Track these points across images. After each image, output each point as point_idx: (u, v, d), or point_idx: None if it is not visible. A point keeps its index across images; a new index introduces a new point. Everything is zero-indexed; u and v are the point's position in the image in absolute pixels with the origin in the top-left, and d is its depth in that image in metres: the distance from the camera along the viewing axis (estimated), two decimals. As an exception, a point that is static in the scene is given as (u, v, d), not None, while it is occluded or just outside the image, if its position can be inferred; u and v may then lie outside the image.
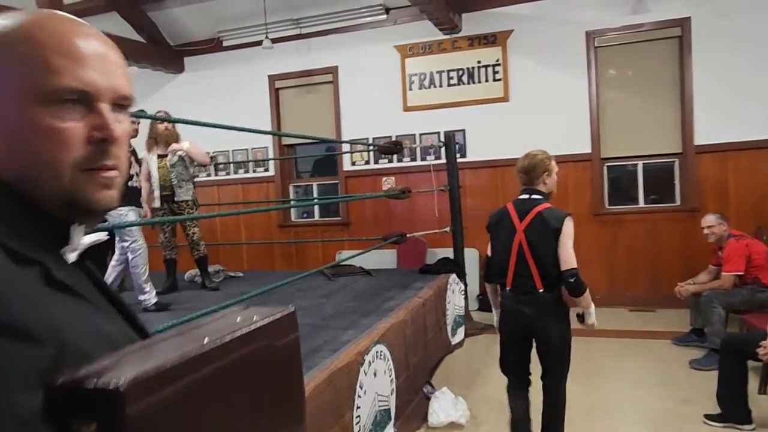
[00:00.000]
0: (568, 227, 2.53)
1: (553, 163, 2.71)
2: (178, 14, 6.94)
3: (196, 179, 4.76)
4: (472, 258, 5.99)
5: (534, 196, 2.68)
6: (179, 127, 4.53)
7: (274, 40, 6.54)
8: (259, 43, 6.41)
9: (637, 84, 5.83)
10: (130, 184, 4.06)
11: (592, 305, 2.67)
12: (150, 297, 4.00)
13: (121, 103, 0.66)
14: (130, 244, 4.02)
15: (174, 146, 4.50)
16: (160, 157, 4.54)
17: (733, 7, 5.36)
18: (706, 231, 4.34)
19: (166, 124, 4.46)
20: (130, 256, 4.03)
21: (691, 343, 4.42)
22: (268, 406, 0.60)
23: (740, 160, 5.44)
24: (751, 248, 4.14)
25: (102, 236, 0.74)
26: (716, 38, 5.42)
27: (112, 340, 0.58)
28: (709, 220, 4.35)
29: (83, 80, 0.61)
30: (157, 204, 4.50)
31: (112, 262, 4.20)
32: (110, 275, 4.15)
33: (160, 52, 7.13)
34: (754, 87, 5.33)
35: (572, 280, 2.49)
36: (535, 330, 2.67)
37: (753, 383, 3.43)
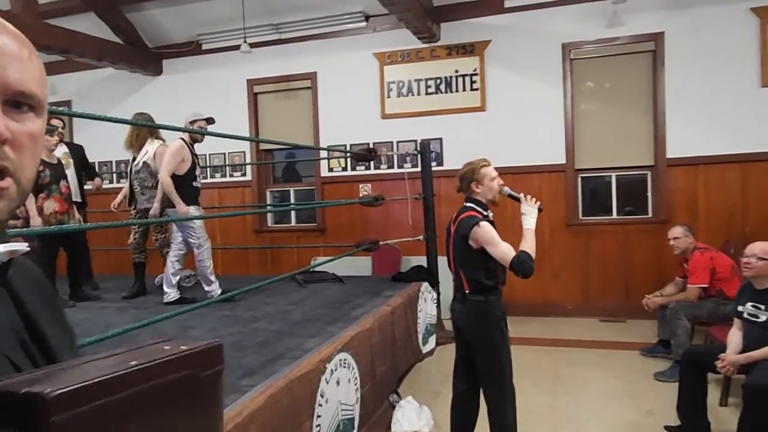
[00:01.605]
0: (479, 234, 2.60)
1: (484, 171, 2.75)
2: (157, 16, 6.90)
3: None
4: (446, 266, 5.99)
5: (467, 204, 2.79)
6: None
7: (254, 45, 6.52)
8: (238, 47, 6.39)
9: (611, 96, 5.91)
10: (194, 184, 4.24)
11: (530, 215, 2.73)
12: (215, 288, 4.22)
13: (19, 101, 0.60)
14: (196, 241, 4.21)
15: (144, 149, 4.45)
16: (133, 159, 4.50)
17: (705, 22, 5.47)
18: (671, 242, 4.40)
19: (131, 128, 4.43)
20: (196, 252, 4.22)
21: (657, 354, 4.47)
22: None
23: (710, 173, 5.54)
24: (715, 261, 4.21)
25: (18, 247, 0.64)
26: (688, 53, 5.52)
27: None
28: (675, 232, 4.41)
29: None
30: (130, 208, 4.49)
31: (171, 258, 4.29)
32: (168, 270, 4.27)
33: (138, 54, 7.07)
34: (724, 102, 5.43)
35: (514, 269, 2.54)
36: (463, 331, 2.78)
37: (715, 395, 3.49)
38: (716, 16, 5.44)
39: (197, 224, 4.22)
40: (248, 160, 6.99)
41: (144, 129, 4.44)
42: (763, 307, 2.95)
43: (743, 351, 2.98)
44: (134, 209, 4.61)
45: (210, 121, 4.31)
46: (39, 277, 0.73)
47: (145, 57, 7.16)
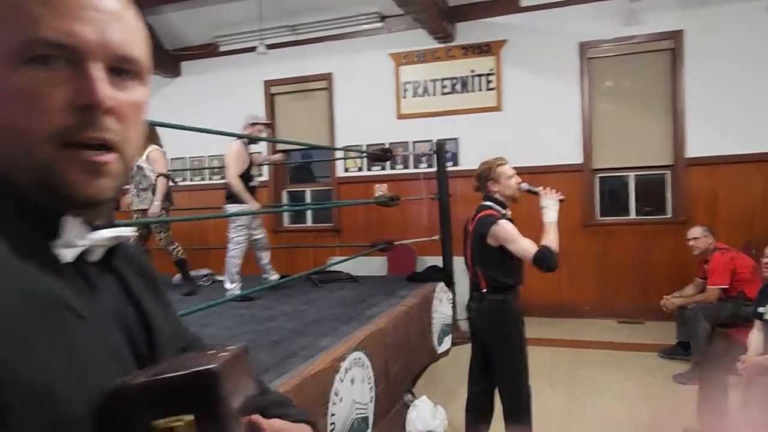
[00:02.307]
0: (498, 233, 2.59)
1: (501, 169, 2.75)
2: (174, 19, 6.99)
3: (182, 183, 4.79)
4: (462, 266, 5.97)
5: (485, 203, 2.79)
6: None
7: (270, 46, 6.57)
8: (254, 48, 6.44)
9: (629, 95, 5.84)
10: (251, 184, 4.33)
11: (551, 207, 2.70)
12: (236, 287, 4.30)
13: (122, 67, 0.55)
14: (233, 236, 4.32)
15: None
16: None
17: (725, 20, 5.38)
18: (691, 243, 4.34)
19: None
20: (230, 247, 4.31)
21: (677, 356, 4.40)
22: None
23: (730, 173, 5.45)
24: (736, 262, 4.14)
25: (126, 232, 0.60)
26: (708, 51, 5.43)
27: (85, 367, 0.48)
28: (695, 232, 4.34)
29: (64, 31, 0.49)
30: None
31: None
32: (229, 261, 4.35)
33: (157, 57, 7.08)
34: (745, 100, 5.34)
35: (537, 264, 2.54)
36: (479, 331, 2.77)
37: (735, 397, 3.43)
38: (734, 14, 5.36)
39: (241, 221, 4.33)
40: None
41: (150, 135, 4.55)
42: (784, 308, 2.90)
43: (765, 353, 2.93)
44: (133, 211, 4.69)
45: (269, 125, 4.58)
46: (144, 262, 0.70)
47: (163, 59, 7.25)
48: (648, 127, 5.74)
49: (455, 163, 6.20)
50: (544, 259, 2.51)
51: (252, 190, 4.39)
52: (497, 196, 2.75)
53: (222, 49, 7.14)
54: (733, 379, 3.17)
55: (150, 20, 7.01)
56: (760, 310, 3.06)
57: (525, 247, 2.57)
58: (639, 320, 5.57)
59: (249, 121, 4.37)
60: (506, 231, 2.59)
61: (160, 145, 4.61)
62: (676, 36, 5.53)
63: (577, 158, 5.88)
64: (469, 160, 6.25)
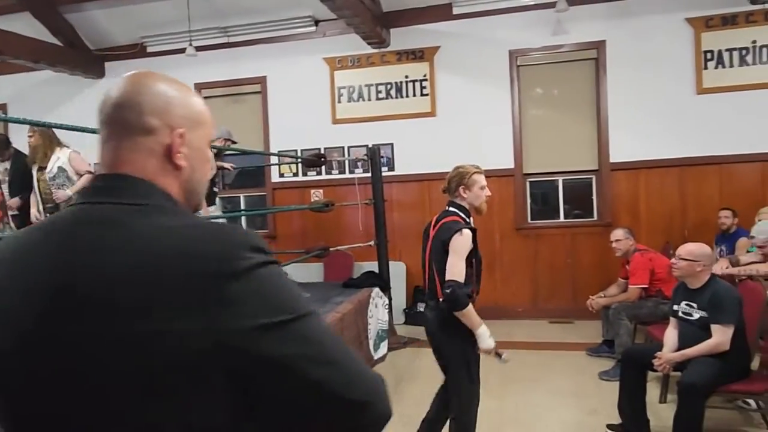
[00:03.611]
0: (457, 242, 2.49)
1: (475, 177, 2.66)
2: (98, 17, 6.66)
3: None
4: (398, 271, 6.00)
5: (450, 208, 2.69)
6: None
7: (200, 48, 6.38)
8: (184, 50, 6.23)
9: (557, 102, 6.05)
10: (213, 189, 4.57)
11: (482, 327, 2.49)
12: None
13: None
14: None
15: (54, 157, 4.34)
16: (41, 169, 4.36)
17: (644, 32, 5.66)
18: (613, 245, 4.52)
19: (31, 134, 4.37)
20: None
21: (602, 354, 4.57)
22: None
23: (651, 177, 5.73)
24: (654, 262, 4.34)
25: None
26: (628, 61, 5.70)
27: None
28: (617, 234, 4.53)
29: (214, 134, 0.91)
30: (42, 218, 4.30)
31: None
32: None
33: (79, 56, 6.81)
34: (663, 108, 5.63)
35: (447, 290, 2.44)
36: (433, 338, 2.68)
37: (654, 392, 3.58)
38: (654, 25, 5.65)
39: None
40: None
41: (53, 139, 4.35)
42: (695, 305, 3.05)
43: (679, 349, 3.07)
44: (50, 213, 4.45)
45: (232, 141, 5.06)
46: None
47: (85, 59, 6.90)
48: (575, 133, 5.96)
49: (390, 168, 6.21)
50: (455, 298, 2.42)
51: (215, 195, 4.57)
52: (464, 203, 2.65)
53: (150, 50, 6.87)
54: (652, 375, 3.31)
55: (72, 18, 6.66)
56: (675, 308, 3.21)
57: (456, 269, 2.47)
58: (569, 320, 5.76)
59: (224, 136, 4.90)
60: (461, 244, 2.49)
61: (68, 146, 4.44)
62: (599, 46, 5.78)
63: (509, 163, 6.02)
64: (404, 166, 6.28)
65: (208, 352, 0.63)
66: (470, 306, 2.47)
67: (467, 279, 2.50)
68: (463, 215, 2.63)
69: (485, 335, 2.47)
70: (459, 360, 2.57)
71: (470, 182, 2.65)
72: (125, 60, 6.98)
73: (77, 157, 4.38)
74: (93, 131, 2.61)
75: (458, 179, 2.67)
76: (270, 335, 0.65)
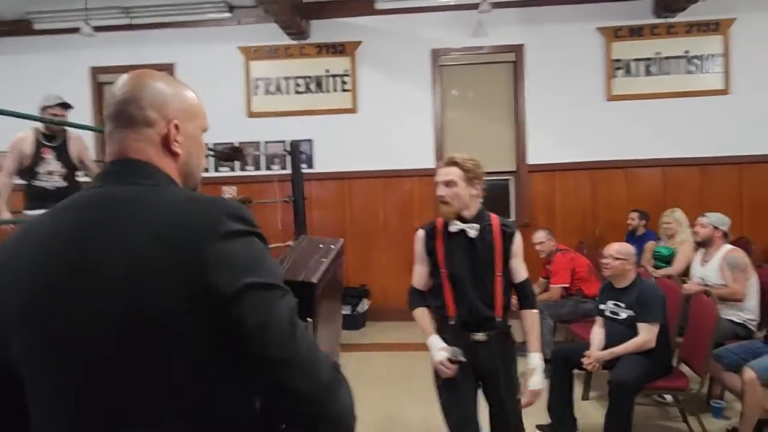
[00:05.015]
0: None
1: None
2: (-26, -13, 5.84)
3: None
4: (318, 273, 5.75)
5: None
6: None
7: (99, 29, 5.77)
8: (78, 29, 5.60)
9: (477, 103, 6.09)
10: (37, 183, 3.78)
11: (429, 338, 2.21)
12: None
13: None
14: None
15: None
16: None
17: (560, 38, 5.84)
18: (538, 247, 4.57)
19: None
20: None
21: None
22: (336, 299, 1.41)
23: (565, 179, 5.91)
24: (575, 262, 4.44)
25: None
26: (545, 66, 5.85)
27: None
28: (539, 237, 4.60)
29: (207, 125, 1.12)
30: None
31: None
32: None
33: (-50, 30, 5.93)
34: (576, 113, 5.83)
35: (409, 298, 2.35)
36: None
37: (577, 390, 3.62)
38: (569, 32, 5.84)
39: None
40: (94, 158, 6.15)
41: None
42: (623, 304, 3.10)
43: (606, 347, 3.10)
44: None
45: (66, 106, 3.76)
46: None
47: (-41, 34, 6.03)
48: (494, 134, 6.02)
49: (310, 166, 5.96)
50: (410, 299, 2.30)
51: (42, 193, 3.72)
52: None
53: (37, 27, 6.12)
54: (578, 373, 3.34)
55: (-61, -14, 5.78)
56: (602, 307, 3.25)
57: (414, 272, 2.30)
58: (488, 319, 5.79)
59: (41, 104, 3.70)
60: (415, 245, 2.29)
61: None
62: (518, 49, 5.88)
63: (430, 163, 5.96)
64: (324, 163, 6.05)
65: (197, 301, 0.75)
66: (417, 311, 2.26)
67: (436, 290, 2.24)
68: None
69: (432, 347, 2.19)
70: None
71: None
72: (9, 37, 6.18)
73: None
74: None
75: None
76: (245, 295, 0.77)
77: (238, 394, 0.82)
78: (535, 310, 2.32)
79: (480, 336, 2.20)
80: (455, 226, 2.19)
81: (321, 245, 1.34)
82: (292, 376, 0.77)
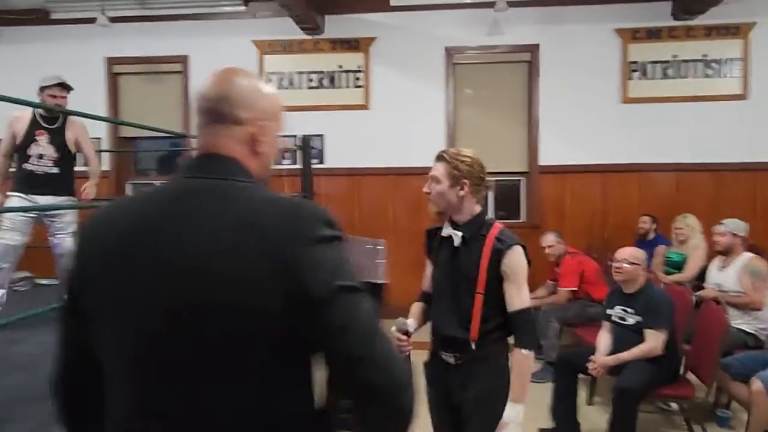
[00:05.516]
0: None
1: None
2: (-7, -25, 5.91)
3: None
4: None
5: None
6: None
7: (114, 19, 5.81)
8: (94, 19, 5.64)
9: (490, 103, 6.05)
10: (27, 167, 3.57)
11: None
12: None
13: None
14: None
15: None
16: None
17: (576, 39, 5.78)
18: (547, 250, 4.54)
19: None
20: None
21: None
22: None
23: (575, 182, 5.86)
24: (584, 265, 4.41)
25: None
26: (560, 66, 5.79)
27: None
28: (549, 239, 4.56)
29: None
30: None
31: None
32: None
33: (-32, 18, 6.00)
34: (589, 115, 5.77)
35: None
36: None
37: (581, 395, 3.60)
38: (585, 33, 5.78)
39: (6, 217, 3.50)
40: (104, 148, 6.20)
41: None
42: (631, 310, 3.07)
43: (612, 353, 3.08)
44: None
45: (64, 86, 3.66)
46: None
47: (-24, 22, 6.09)
48: (507, 134, 5.98)
49: (321, 161, 5.96)
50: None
51: (28, 177, 3.57)
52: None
53: (54, 16, 6.17)
54: (583, 378, 3.32)
55: (-42, -27, 5.85)
56: (609, 312, 3.22)
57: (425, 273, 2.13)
58: (494, 320, 5.77)
59: (39, 85, 3.62)
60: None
61: None
62: (533, 49, 5.83)
63: (441, 161, 5.94)
64: (334, 158, 6.05)
65: (288, 302, 0.79)
66: (413, 304, 2.24)
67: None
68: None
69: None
70: None
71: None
72: (25, 26, 6.24)
73: None
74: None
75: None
76: (335, 298, 0.81)
77: (305, 394, 0.87)
78: (526, 351, 1.85)
79: (449, 357, 1.94)
80: (445, 230, 2.00)
81: (367, 246, 1.68)
82: (370, 372, 0.81)
